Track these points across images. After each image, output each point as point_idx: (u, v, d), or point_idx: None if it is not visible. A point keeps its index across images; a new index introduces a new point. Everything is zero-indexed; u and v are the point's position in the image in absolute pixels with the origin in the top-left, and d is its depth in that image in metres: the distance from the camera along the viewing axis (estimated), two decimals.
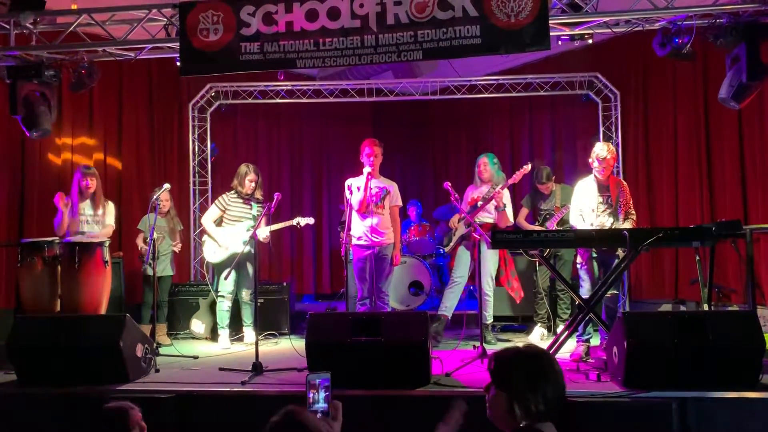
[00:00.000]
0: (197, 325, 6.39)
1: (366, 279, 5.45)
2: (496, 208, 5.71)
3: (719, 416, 3.57)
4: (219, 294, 5.92)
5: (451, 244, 6.01)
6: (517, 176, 5.66)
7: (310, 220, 6.06)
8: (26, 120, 5.54)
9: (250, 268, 5.92)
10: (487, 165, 5.88)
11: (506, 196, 5.79)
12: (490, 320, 5.88)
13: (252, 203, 5.99)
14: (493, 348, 5.41)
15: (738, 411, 3.61)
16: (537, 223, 6.17)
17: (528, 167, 5.70)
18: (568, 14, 5.07)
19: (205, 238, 6.14)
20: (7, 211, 6.61)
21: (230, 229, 5.97)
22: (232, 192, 6.04)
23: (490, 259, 5.74)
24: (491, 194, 5.70)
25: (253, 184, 5.98)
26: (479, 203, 5.76)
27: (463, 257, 5.83)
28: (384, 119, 9.47)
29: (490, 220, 5.80)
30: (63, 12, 5.49)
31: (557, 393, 1.95)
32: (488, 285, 5.74)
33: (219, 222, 6.05)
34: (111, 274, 5.44)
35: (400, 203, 5.69)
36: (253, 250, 5.49)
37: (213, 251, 5.99)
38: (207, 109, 8.12)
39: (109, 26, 5.54)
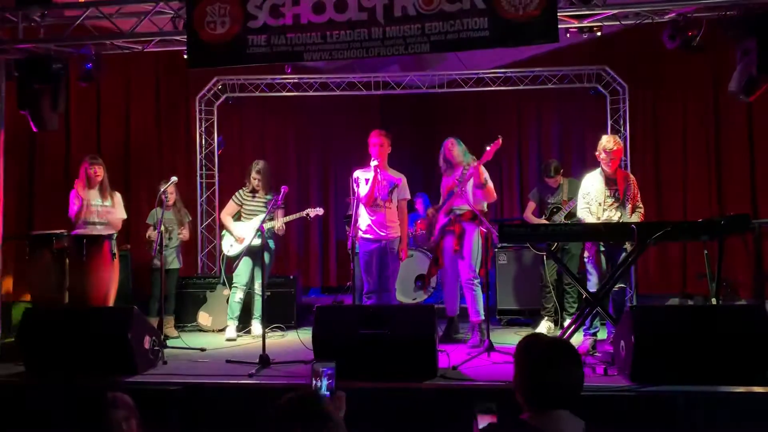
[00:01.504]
0: (204, 318, 6.41)
1: (372, 272, 5.44)
2: (479, 185, 5.32)
3: (726, 411, 3.57)
4: (233, 285, 6.03)
5: (433, 237, 5.67)
6: (490, 152, 5.22)
7: (320, 211, 6.13)
8: (33, 115, 5.56)
9: (267, 258, 5.94)
10: (455, 145, 5.53)
11: (485, 172, 5.37)
12: (483, 316, 5.27)
13: (266, 196, 6.07)
14: (503, 343, 5.33)
15: (745, 406, 3.60)
16: (544, 217, 6.14)
17: (499, 141, 5.23)
18: (577, 6, 5.03)
19: (224, 232, 6.30)
20: (16, 203, 6.64)
21: (247, 223, 6.10)
22: (246, 187, 6.18)
23: (476, 248, 5.41)
24: (467, 173, 5.32)
25: (256, 181, 6.11)
26: (456, 189, 5.38)
27: (448, 253, 5.56)
28: (391, 112, 9.44)
29: (472, 207, 5.39)
30: (70, 5, 5.50)
31: (564, 380, 1.97)
32: (475, 276, 5.44)
33: (238, 217, 6.20)
34: (119, 266, 5.47)
35: (408, 196, 5.64)
36: (271, 241, 5.58)
37: (230, 245, 6.15)
38: (214, 102, 8.12)
39: (116, 19, 5.54)
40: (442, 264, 5.66)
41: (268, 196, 6.10)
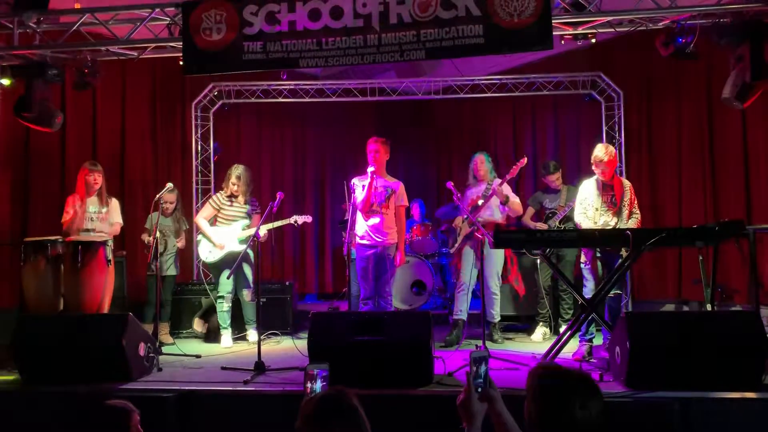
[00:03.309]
0: (200, 324, 6.39)
1: (369, 278, 5.44)
2: (502, 203, 5.70)
3: (721, 417, 3.57)
4: (218, 295, 5.91)
5: (457, 244, 5.95)
6: (515, 170, 5.61)
7: (308, 219, 6.04)
8: (37, 118, 5.56)
9: (247, 268, 5.92)
10: (483, 162, 5.91)
11: (507, 188, 5.76)
12: (497, 319, 5.86)
13: (241, 203, 6.01)
14: (499, 347, 5.41)
15: (740, 411, 3.61)
16: (541, 221, 6.15)
17: (524, 160, 5.67)
18: (571, 14, 5.06)
19: (199, 237, 6.10)
20: (11, 209, 6.62)
21: (225, 228, 5.95)
22: (224, 192, 6.05)
23: (497, 257, 5.75)
24: (490, 191, 5.69)
25: (234, 187, 5.96)
26: (480, 201, 5.73)
27: (470, 258, 5.78)
28: (387, 118, 9.44)
29: (496, 219, 5.80)
30: (66, 11, 5.50)
31: (583, 420, 1.86)
32: (495, 284, 5.74)
33: (212, 221, 6.04)
34: (114, 273, 5.46)
35: (405, 203, 5.64)
36: (251, 251, 5.52)
37: (209, 251, 5.95)
38: (210, 108, 8.12)
39: (112, 25, 5.55)
40: (460, 268, 5.87)
41: (246, 205, 6.02)
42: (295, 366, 4.57)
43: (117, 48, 5.70)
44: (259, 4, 5.15)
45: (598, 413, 1.86)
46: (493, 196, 5.69)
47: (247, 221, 5.96)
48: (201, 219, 6.02)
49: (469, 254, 5.80)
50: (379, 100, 8.31)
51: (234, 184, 5.96)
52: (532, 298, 6.31)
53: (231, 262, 5.59)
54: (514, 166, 5.63)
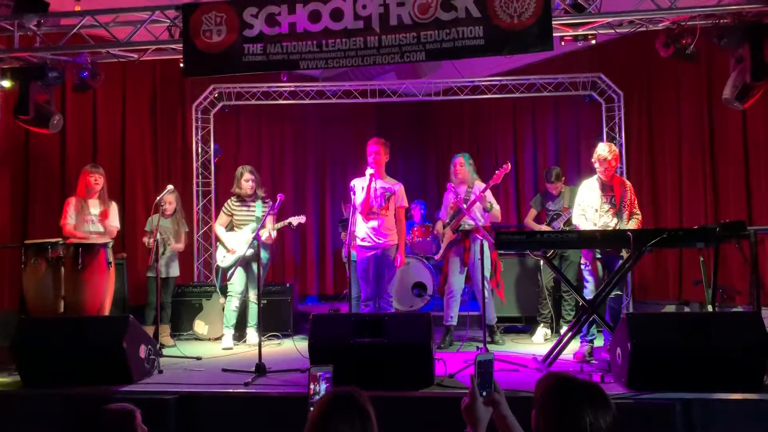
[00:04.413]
0: (200, 326, 6.39)
1: (369, 280, 5.44)
2: (485, 210, 5.65)
3: (723, 417, 3.56)
4: (228, 293, 5.97)
5: (441, 251, 5.92)
6: (498, 176, 5.55)
7: (302, 219, 6.08)
8: (34, 120, 5.55)
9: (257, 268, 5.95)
10: (463, 165, 5.82)
11: (489, 196, 5.71)
12: (494, 321, 5.86)
13: (255, 204, 6.03)
14: (500, 349, 5.41)
15: (742, 412, 3.60)
16: (545, 224, 6.16)
17: (508, 166, 5.63)
18: (571, 15, 5.06)
19: (218, 243, 6.24)
20: (10, 212, 6.62)
21: (238, 233, 6.04)
22: (234, 197, 6.10)
23: (486, 260, 5.65)
24: (471, 196, 5.65)
25: (250, 183, 6.03)
26: (462, 206, 5.59)
27: (455, 265, 5.76)
28: (387, 120, 9.47)
29: (480, 224, 5.67)
30: (66, 14, 5.50)
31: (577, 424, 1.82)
32: (486, 286, 5.67)
33: (231, 227, 6.14)
34: (114, 275, 5.45)
35: (405, 204, 5.64)
36: (255, 251, 5.54)
37: (223, 256, 6.08)
38: (210, 110, 8.12)
39: (112, 28, 5.55)
40: (446, 273, 5.82)
41: (257, 204, 6.06)
42: (296, 368, 4.57)
43: (117, 50, 5.69)
44: (260, 5, 5.15)
45: (609, 426, 1.82)
46: (476, 202, 5.63)
47: (256, 224, 5.98)
48: (218, 227, 6.16)
49: (454, 261, 5.77)
50: (379, 101, 8.30)
51: (248, 181, 6.02)
52: (534, 299, 6.30)
53: (243, 264, 5.74)
54: (497, 172, 5.56)
